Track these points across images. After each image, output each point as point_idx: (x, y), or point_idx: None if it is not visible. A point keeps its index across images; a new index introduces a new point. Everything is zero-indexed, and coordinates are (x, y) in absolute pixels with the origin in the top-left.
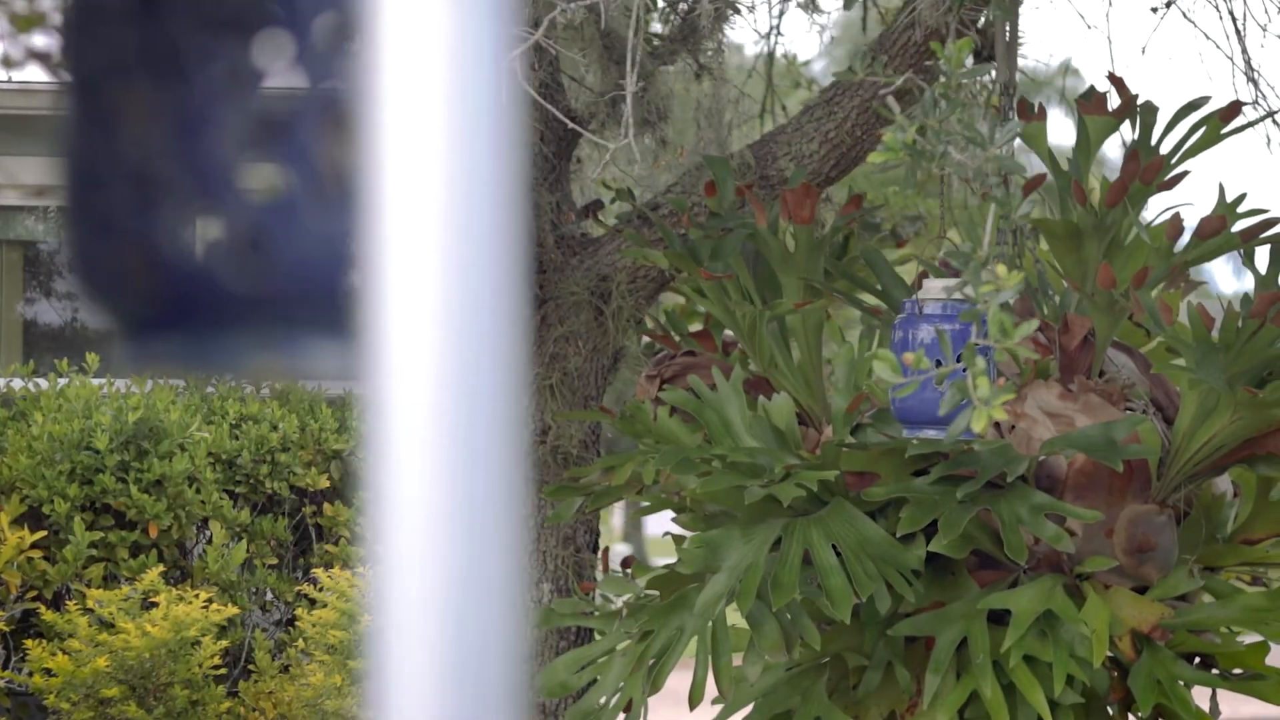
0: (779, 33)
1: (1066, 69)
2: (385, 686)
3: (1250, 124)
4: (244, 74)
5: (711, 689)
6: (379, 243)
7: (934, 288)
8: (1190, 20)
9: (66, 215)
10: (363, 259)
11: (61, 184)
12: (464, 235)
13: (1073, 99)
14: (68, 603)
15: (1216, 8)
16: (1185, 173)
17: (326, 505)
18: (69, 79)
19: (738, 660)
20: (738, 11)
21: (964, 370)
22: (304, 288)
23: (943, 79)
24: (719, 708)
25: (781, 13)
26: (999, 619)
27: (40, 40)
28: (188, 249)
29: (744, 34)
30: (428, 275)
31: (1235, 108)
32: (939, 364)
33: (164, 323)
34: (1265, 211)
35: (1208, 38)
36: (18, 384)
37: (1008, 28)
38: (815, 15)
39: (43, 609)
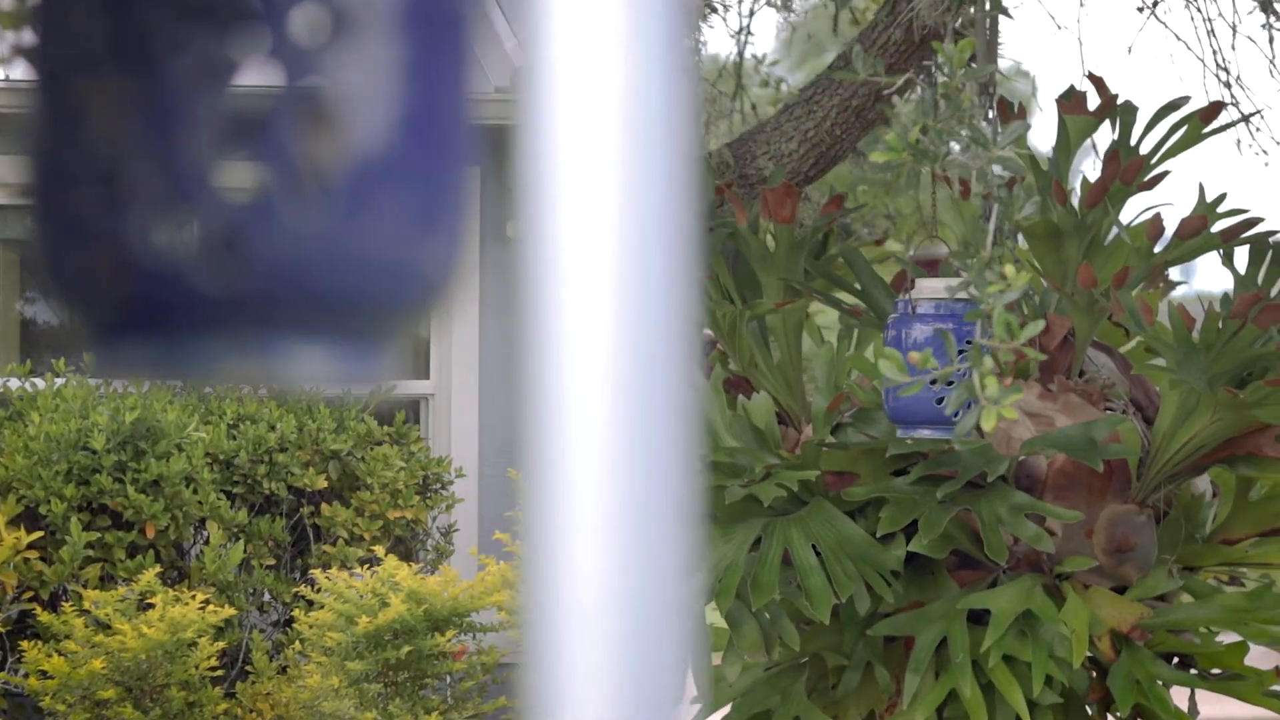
0: (749, 33)
1: (1018, 71)
2: (553, 697)
3: (1230, 124)
4: (219, 66)
5: (690, 689)
6: (552, 243)
7: (928, 287)
8: (1162, 22)
9: (33, 214)
10: (532, 260)
11: (28, 182)
12: (639, 233)
13: (1026, 101)
14: (64, 604)
15: (1189, 7)
16: (1165, 173)
17: (324, 505)
18: (36, 73)
19: (717, 660)
20: (715, 10)
21: (968, 371)
22: (281, 289)
23: (943, 79)
24: (698, 708)
25: (753, 12)
26: (978, 619)
27: (29, 38)
28: (160, 249)
29: (707, 33)
30: (600, 275)
31: (1216, 108)
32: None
33: (134, 326)
34: (1245, 211)
35: (1178, 38)
36: (14, 384)
37: (988, 26)
38: (788, 15)
39: (39, 610)
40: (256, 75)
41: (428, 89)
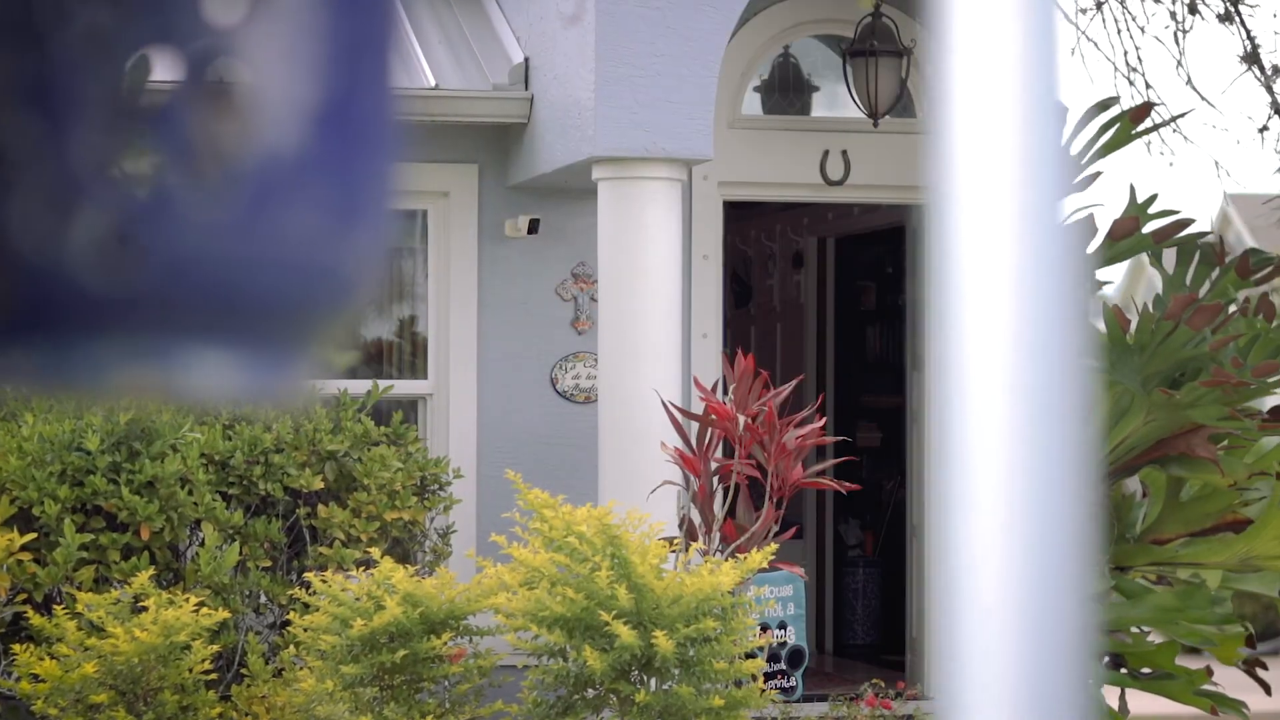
0: None
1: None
2: (959, 690)
3: (1161, 125)
4: (113, 42)
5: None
6: (953, 256)
7: None
8: (1072, 22)
9: None
10: (934, 272)
11: None
12: (1034, 245)
13: None
14: (56, 606)
15: (1099, 8)
16: (1098, 174)
17: (321, 507)
18: None
19: None
20: None
21: None
22: (181, 290)
23: None
24: None
25: None
26: None
27: None
28: (44, 243)
29: None
30: (997, 285)
31: (1145, 109)
32: None
33: (15, 329)
34: (1176, 212)
35: (1088, 38)
36: None
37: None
38: None
39: (31, 612)
40: (155, 53)
41: (348, 73)
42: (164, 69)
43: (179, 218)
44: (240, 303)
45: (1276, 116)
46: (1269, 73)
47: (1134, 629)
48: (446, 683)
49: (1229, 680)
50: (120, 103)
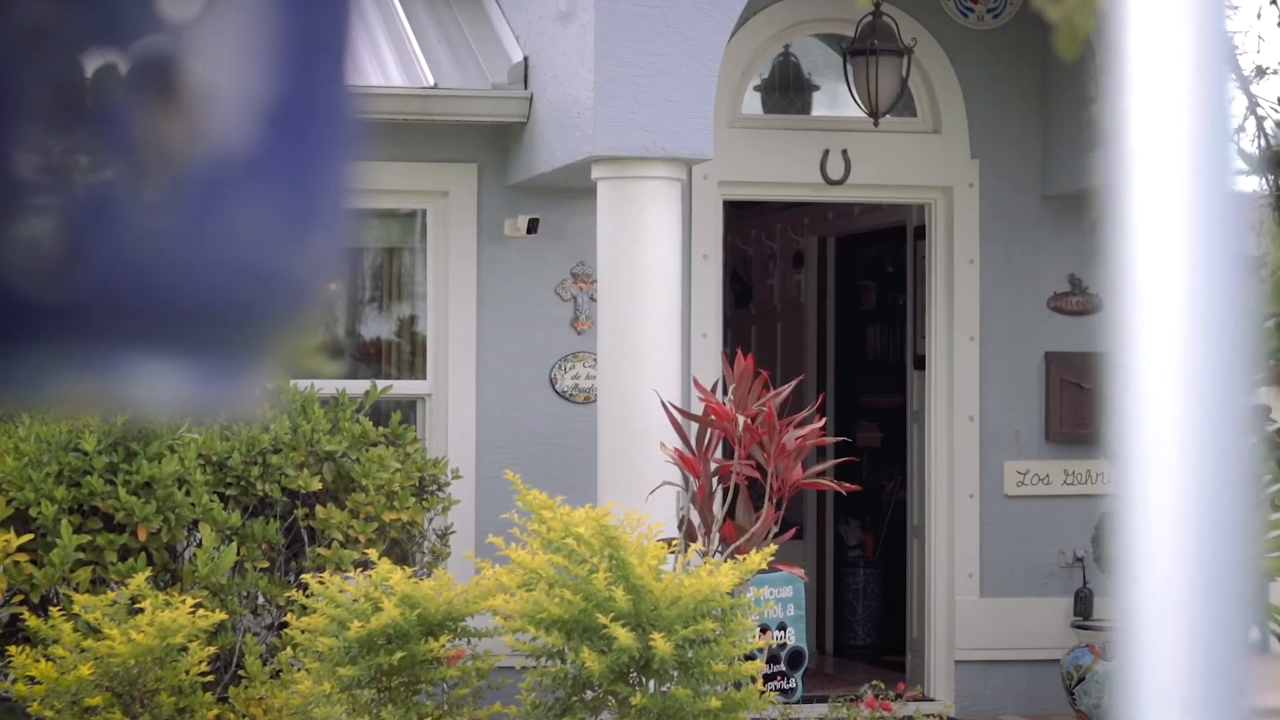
0: None
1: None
2: (1136, 678)
3: None
4: (52, 35)
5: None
6: (1128, 252)
7: None
8: None
9: None
10: (1110, 271)
11: None
12: (1206, 237)
13: None
14: (52, 608)
15: None
16: None
17: (319, 507)
18: None
19: None
20: None
21: None
22: (125, 297)
23: None
24: None
25: None
26: None
27: None
28: None
29: None
30: (1171, 284)
31: None
32: None
33: None
34: None
35: None
36: None
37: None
38: None
39: (27, 614)
40: (100, 48)
41: (302, 70)
42: (109, 62)
43: (125, 220)
44: (190, 308)
45: (1254, 117)
46: (1249, 74)
47: None
48: (444, 685)
49: None
50: (63, 100)
